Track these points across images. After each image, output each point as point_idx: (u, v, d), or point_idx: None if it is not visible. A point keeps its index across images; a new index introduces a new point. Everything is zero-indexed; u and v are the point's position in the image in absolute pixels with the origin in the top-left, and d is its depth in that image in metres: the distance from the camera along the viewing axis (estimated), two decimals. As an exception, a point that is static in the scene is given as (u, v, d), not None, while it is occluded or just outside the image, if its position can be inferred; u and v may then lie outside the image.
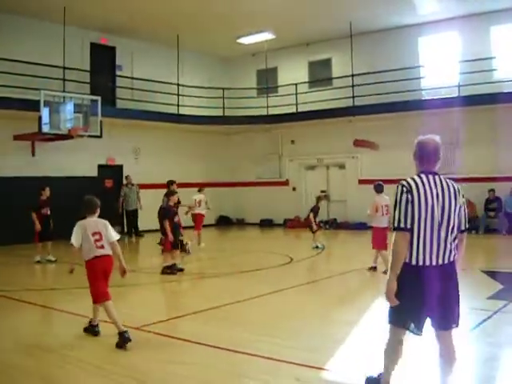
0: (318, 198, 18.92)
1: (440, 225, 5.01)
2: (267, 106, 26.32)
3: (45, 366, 6.93)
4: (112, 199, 23.57)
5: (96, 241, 8.11)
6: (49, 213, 16.25)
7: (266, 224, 27.25)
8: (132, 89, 24.51)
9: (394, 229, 5.07)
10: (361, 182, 24.66)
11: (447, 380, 5.23)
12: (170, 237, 13.58)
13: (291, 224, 25.71)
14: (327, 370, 6.48)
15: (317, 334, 7.84)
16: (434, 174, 5.17)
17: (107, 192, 23.88)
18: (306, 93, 25.97)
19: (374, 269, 13.32)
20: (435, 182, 5.08)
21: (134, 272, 14.78)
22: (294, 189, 26.65)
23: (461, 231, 5.21)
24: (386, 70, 22.75)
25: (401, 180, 5.19)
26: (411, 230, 5.00)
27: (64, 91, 20.51)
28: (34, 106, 18.83)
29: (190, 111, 25.49)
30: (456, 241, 5.16)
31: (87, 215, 8.47)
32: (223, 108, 26.38)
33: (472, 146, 21.91)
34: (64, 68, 20.96)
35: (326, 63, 26.74)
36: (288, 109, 25.80)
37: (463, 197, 5.20)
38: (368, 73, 23.36)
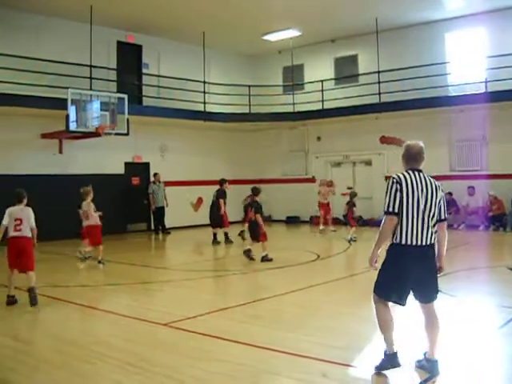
0: (352, 194, 19.40)
1: (423, 212, 6.03)
2: (293, 103, 26.30)
3: (75, 361, 6.97)
4: (138, 196, 23.77)
5: (16, 225, 10.25)
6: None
7: (293, 221, 27.23)
8: (158, 87, 24.61)
9: (385, 213, 6.13)
10: (387, 178, 24.53)
11: (435, 346, 6.25)
12: (263, 229, 15.42)
13: (317, 221, 25.65)
14: (355, 367, 6.49)
15: (345, 332, 7.84)
16: (419, 171, 6.24)
17: (134, 189, 24.07)
18: (332, 89, 25.88)
19: None
20: (420, 178, 6.14)
21: (163, 269, 14.94)
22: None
23: (440, 220, 6.20)
24: (413, 67, 22.58)
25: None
26: (399, 215, 6.03)
27: (91, 89, 20.62)
28: (61, 104, 18.96)
29: (217, 109, 25.54)
30: (436, 227, 6.15)
31: (16, 203, 10.55)
32: (249, 105, 26.37)
33: (499, 143, 21.78)
34: (91, 66, 21.08)
35: (353, 60, 26.64)
36: (314, 106, 25.75)
37: (442, 191, 6.23)
38: (394, 69, 23.17)
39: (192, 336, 7.92)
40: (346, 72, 26.66)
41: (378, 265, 6.29)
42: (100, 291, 11.91)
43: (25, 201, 10.76)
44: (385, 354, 6.27)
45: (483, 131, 22.04)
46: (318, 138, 27.06)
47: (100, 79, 21.78)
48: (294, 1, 20.60)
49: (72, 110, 19.12)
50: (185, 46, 25.94)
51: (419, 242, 6.00)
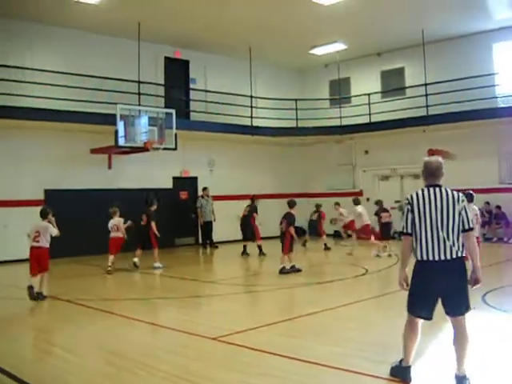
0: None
1: (440, 227, 6.11)
2: (340, 117, 26.22)
3: (125, 372, 7.05)
4: (186, 211, 23.95)
5: (35, 237, 12.25)
6: None
7: (340, 235, 27.08)
8: (206, 101, 24.77)
9: (400, 233, 6.51)
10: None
11: (462, 362, 6.16)
12: (296, 237, 16.13)
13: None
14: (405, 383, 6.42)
15: (396, 347, 7.76)
16: (436, 186, 6.34)
17: (182, 203, 24.23)
18: (379, 103, 25.82)
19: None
20: (435, 193, 6.24)
21: (211, 283, 14.98)
22: (367, 199, 26.38)
23: (464, 230, 6.16)
24: (460, 78, 22.38)
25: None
26: (415, 233, 6.23)
27: (139, 105, 20.84)
28: (110, 120, 19.21)
29: (263, 123, 25.63)
30: (461, 239, 6.14)
31: (42, 219, 12.43)
32: (296, 119, 26.41)
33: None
34: (139, 82, 21.35)
35: (399, 72, 26.50)
36: (361, 119, 25.67)
37: (463, 202, 6.21)
38: (442, 81, 22.97)
39: (241, 350, 7.92)
40: (392, 85, 26.53)
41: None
42: (149, 304, 11.99)
43: (49, 217, 12.57)
44: (400, 362, 6.57)
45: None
46: (366, 152, 26.92)
47: (148, 95, 22.03)
48: (340, 14, 20.55)
49: (121, 126, 19.32)
50: (231, 61, 26.10)
51: (437, 257, 6.10)
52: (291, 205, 16.52)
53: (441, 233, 6.09)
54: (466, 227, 6.15)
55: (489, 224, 22.01)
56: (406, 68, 26.25)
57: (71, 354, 7.92)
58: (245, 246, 20.54)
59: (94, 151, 21.28)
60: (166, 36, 22.87)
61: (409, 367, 6.45)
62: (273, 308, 11.74)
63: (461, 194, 6.26)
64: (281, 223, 16.19)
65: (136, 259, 17.32)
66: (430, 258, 6.10)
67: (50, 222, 12.51)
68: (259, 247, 20.20)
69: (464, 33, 23.40)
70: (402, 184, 26.08)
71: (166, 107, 22.02)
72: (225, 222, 23.31)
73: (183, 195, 24.57)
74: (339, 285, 13.77)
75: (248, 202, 21.34)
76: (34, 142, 20.10)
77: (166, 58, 24.49)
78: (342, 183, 27.62)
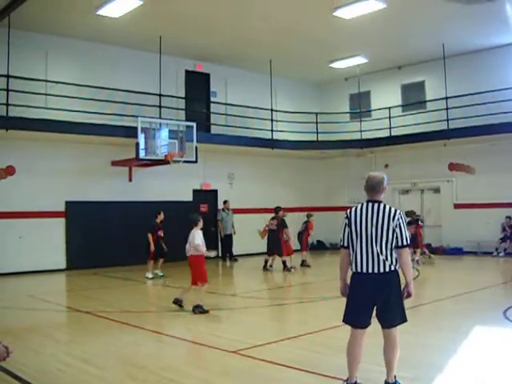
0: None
1: (374, 241, 6.25)
2: (361, 131, 26.20)
3: (146, 387, 7.02)
4: (206, 224, 23.93)
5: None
6: (162, 235, 18.17)
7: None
8: (226, 115, 24.83)
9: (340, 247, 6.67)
10: (456, 206, 24.23)
11: (393, 369, 6.53)
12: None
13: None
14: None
15: (415, 362, 7.69)
16: (375, 201, 6.46)
17: (202, 216, 24.16)
18: (399, 116, 25.75)
19: None
20: (373, 208, 6.38)
21: (231, 296, 14.96)
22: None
23: (398, 247, 6.29)
24: (481, 92, 22.29)
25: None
26: (352, 246, 6.40)
27: (160, 118, 20.95)
28: (131, 132, 19.38)
29: (284, 136, 25.65)
30: (394, 254, 6.27)
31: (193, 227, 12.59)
32: (317, 133, 26.41)
33: None
34: (160, 95, 21.45)
35: (420, 86, 26.44)
36: (381, 133, 25.64)
37: (399, 219, 6.27)
38: (462, 95, 22.91)
39: (261, 364, 7.87)
40: (413, 98, 26.49)
41: None
42: (169, 317, 11.97)
43: (199, 224, 12.77)
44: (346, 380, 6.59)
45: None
46: (386, 166, 26.83)
47: (169, 108, 22.15)
48: (361, 28, 20.56)
49: (142, 138, 19.47)
50: (252, 74, 26.19)
51: (370, 270, 6.26)
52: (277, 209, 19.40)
53: (375, 247, 6.25)
54: (400, 244, 6.28)
55: (510, 239, 21.81)
56: (426, 81, 26.20)
57: (91, 366, 7.90)
58: (266, 261, 20.08)
59: (114, 163, 21.41)
60: (187, 49, 23.01)
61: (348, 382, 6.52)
62: (294, 322, 11.71)
63: (398, 212, 6.36)
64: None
65: (156, 271, 18.13)
66: (363, 270, 6.29)
67: (200, 229, 12.75)
68: (283, 262, 19.47)
69: (485, 46, 23.34)
70: (422, 198, 25.99)
71: (186, 120, 22.18)
72: (245, 235, 23.29)
73: (203, 208, 24.58)
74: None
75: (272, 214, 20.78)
76: (56, 154, 20.28)
77: (187, 72, 24.60)
78: (362, 197, 27.40)
